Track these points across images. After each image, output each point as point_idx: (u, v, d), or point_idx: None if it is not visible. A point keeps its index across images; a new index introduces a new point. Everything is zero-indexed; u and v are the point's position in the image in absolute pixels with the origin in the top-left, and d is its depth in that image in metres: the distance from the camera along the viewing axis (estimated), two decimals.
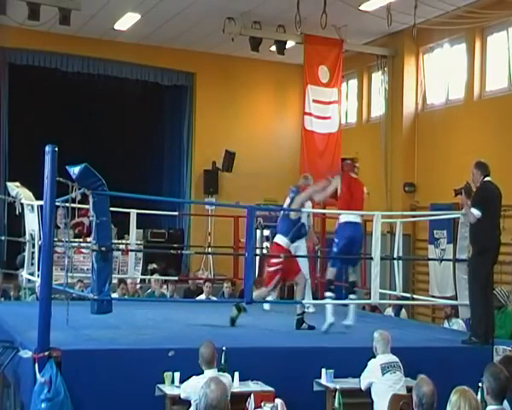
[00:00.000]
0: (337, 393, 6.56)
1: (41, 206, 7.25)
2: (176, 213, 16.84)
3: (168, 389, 6.37)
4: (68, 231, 10.61)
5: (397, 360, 6.77)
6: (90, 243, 8.06)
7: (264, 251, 15.62)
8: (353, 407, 6.70)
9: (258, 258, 12.00)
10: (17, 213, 10.23)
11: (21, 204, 10.06)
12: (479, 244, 7.99)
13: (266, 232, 15.68)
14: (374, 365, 6.73)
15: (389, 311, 12.11)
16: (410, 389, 5.46)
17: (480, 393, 5.18)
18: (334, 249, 8.72)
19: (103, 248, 6.90)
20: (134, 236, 11.11)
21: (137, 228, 11.44)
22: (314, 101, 15.28)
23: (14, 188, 10.33)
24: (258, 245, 15.10)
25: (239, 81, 18.25)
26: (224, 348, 6.41)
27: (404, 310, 12.16)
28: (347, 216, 8.66)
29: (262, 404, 6.15)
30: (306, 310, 9.10)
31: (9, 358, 6.89)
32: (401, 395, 6.49)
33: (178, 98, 18.86)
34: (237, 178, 17.48)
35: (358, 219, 8.71)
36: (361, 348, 7.26)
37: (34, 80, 17.41)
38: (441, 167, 14.69)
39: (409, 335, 8.88)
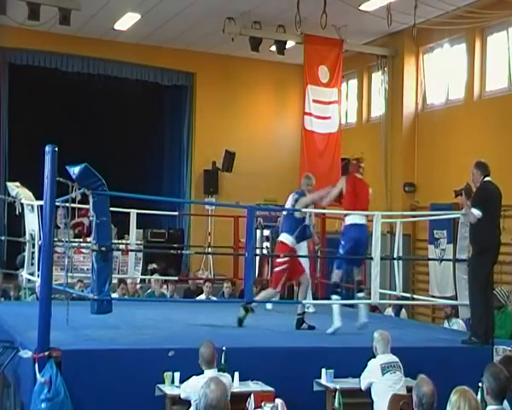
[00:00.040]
0: (337, 393, 6.56)
1: (41, 206, 7.25)
2: (176, 213, 16.84)
3: (168, 389, 6.37)
4: (68, 231, 10.62)
5: (397, 360, 6.78)
6: (90, 243, 8.06)
7: (264, 251, 15.67)
8: (353, 407, 6.71)
9: (258, 258, 12.02)
10: (17, 213, 10.23)
11: (21, 204, 10.06)
12: (479, 244, 8.00)
13: (266, 232, 15.69)
14: (374, 365, 6.73)
15: (389, 311, 12.11)
16: (410, 389, 5.46)
17: (479, 393, 5.18)
18: (341, 251, 8.72)
19: (103, 248, 6.90)
20: (134, 236, 11.10)
21: (137, 228, 11.43)
22: (314, 101, 15.28)
23: (14, 188, 10.33)
24: (258, 245, 15.12)
25: (239, 81, 18.25)
26: (224, 348, 6.41)
27: (404, 310, 12.16)
28: (353, 218, 8.65)
29: (262, 404, 6.15)
30: (306, 310, 9.10)
31: (9, 358, 6.89)
32: (401, 395, 6.49)
33: (178, 98, 18.86)
34: (237, 178, 17.48)
35: (364, 221, 8.68)
36: (361, 348, 7.26)
37: (34, 80, 17.41)
38: (441, 167, 14.70)
39: (409, 335, 8.88)
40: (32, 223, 9.74)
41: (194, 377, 6.01)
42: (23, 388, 6.80)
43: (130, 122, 19.28)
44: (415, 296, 11.69)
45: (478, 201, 7.94)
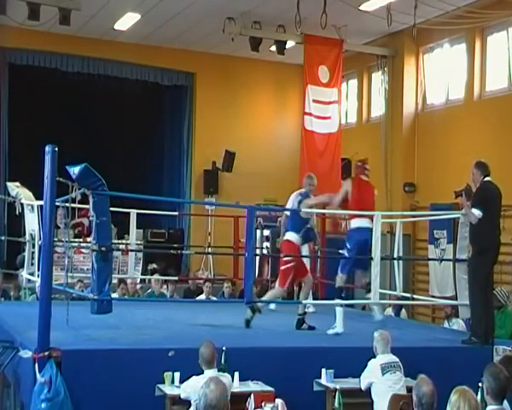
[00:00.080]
0: (337, 393, 6.57)
1: (41, 206, 7.25)
2: (176, 213, 16.84)
3: (168, 389, 6.37)
4: (68, 231, 10.62)
5: (397, 360, 6.78)
6: (90, 243, 8.06)
7: (264, 251, 15.67)
8: (353, 407, 6.71)
9: (258, 258, 12.01)
10: (17, 213, 10.24)
11: (21, 204, 10.06)
12: (479, 244, 8.00)
13: (266, 232, 15.70)
14: (374, 365, 6.74)
15: (389, 311, 12.10)
16: (410, 389, 5.46)
17: (479, 393, 5.18)
18: (347, 255, 8.72)
19: (103, 248, 6.91)
20: (134, 236, 11.12)
21: (137, 228, 11.44)
22: (314, 101, 15.27)
23: (14, 188, 10.33)
24: (258, 245, 15.12)
25: (239, 81, 18.24)
26: (224, 348, 6.41)
27: (404, 310, 12.15)
28: (359, 222, 8.66)
29: (262, 404, 6.15)
30: (307, 310, 9.10)
31: (9, 358, 6.90)
32: (401, 395, 6.49)
33: (178, 98, 18.86)
34: (237, 178, 17.47)
35: (369, 224, 8.67)
36: (361, 348, 7.26)
37: (34, 80, 17.40)
38: (441, 167, 14.69)
39: (409, 335, 8.89)
40: (32, 223, 9.75)
41: (194, 377, 6.02)
42: (23, 388, 6.80)
43: (130, 122, 19.27)
44: (415, 296, 11.68)
45: (478, 201, 7.94)
